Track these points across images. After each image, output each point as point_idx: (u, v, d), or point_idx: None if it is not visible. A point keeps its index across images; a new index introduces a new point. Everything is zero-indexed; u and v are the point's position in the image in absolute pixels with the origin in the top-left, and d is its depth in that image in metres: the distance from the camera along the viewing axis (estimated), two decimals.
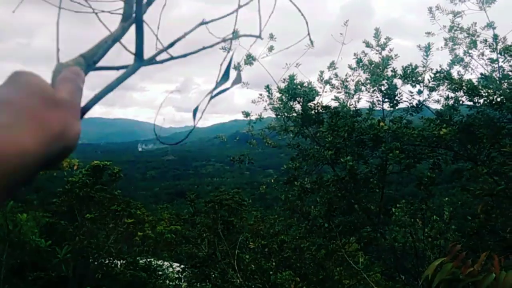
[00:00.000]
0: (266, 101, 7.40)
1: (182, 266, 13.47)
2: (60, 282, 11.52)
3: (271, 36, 7.31)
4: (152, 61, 0.87)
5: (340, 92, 7.05)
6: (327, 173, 7.33)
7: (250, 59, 7.40)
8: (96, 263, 13.19)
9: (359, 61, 6.91)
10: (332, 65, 7.19)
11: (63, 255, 10.90)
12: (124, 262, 13.75)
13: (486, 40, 6.25)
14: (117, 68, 0.87)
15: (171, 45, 0.92)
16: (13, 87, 0.54)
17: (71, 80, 0.65)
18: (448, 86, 6.20)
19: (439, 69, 6.33)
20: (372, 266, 7.90)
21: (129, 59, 0.86)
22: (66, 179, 14.21)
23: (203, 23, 1.03)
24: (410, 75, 6.34)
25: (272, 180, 7.83)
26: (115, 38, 0.84)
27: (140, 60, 0.82)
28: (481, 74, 6.19)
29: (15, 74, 0.56)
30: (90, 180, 14.00)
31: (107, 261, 13.45)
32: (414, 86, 6.46)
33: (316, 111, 7.06)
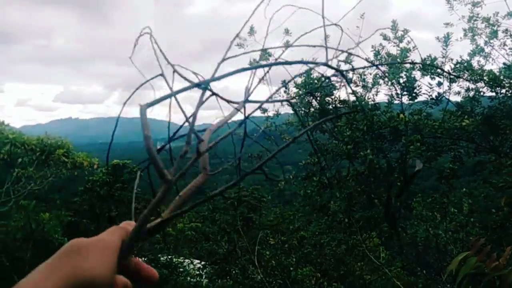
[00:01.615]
0: (283, 96, 7.38)
1: (202, 263, 13.55)
2: None
3: (287, 31, 7.28)
4: None
5: (357, 86, 6.99)
6: (346, 168, 7.28)
7: (266, 55, 7.38)
8: None
9: (376, 53, 6.83)
10: (348, 59, 7.12)
11: None
12: (145, 259, 13.87)
13: (507, 30, 6.11)
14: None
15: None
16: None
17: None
18: (469, 77, 6.08)
19: (459, 60, 6.21)
20: (393, 261, 7.81)
21: None
22: (87, 178, 14.40)
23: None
24: (429, 67, 6.24)
25: (291, 176, 7.80)
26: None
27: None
28: (504, 64, 6.07)
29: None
30: (110, 178, 14.16)
31: None
32: (433, 78, 6.36)
33: (333, 105, 7.00)
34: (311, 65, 1.07)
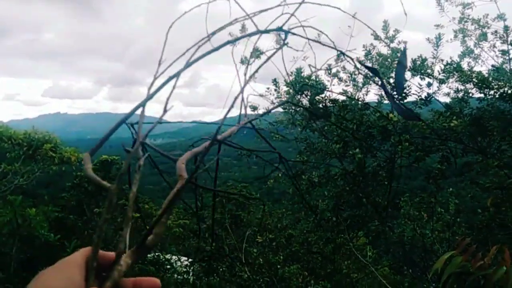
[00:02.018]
0: (273, 95, 7.38)
1: (190, 260, 13.52)
2: None
3: (279, 29, 7.26)
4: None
5: (348, 85, 7.01)
6: (335, 167, 7.29)
7: (257, 53, 7.36)
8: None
9: (367, 53, 6.84)
10: (339, 58, 7.13)
11: (72, 249, 10.96)
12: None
13: (497, 32, 6.16)
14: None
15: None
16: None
17: None
18: (458, 78, 6.13)
19: (449, 61, 6.25)
20: (380, 259, 7.87)
21: None
22: (75, 173, 14.30)
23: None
24: (420, 68, 6.27)
25: (280, 174, 7.81)
26: None
27: None
28: (492, 66, 6.12)
29: (57, 264, 0.71)
30: (98, 174, 14.03)
31: None
32: (423, 79, 6.39)
33: (324, 104, 7.01)
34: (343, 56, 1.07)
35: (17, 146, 10.16)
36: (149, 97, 0.89)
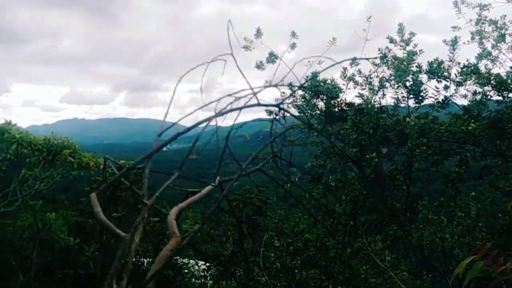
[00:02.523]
0: (289, 99, 7.39)
1: (207, 264, 13.56)
2: (89, 280, 11.73)
3: (293, 34, 7.29)
4: None
5: (364, 89, 6.99)
6: (352, 170, 7.28)
7: (272, 57, 7.39)
8: (123, 261, 13.36)
9: (383, 57, 6.82)
10: (354, 61, 7.13)
11: (91, 253, 11.10)
12: (150, 260, 13.91)
13: None
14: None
15: None
16: None
17: None
18: (476, 81, 6.07)
19: (466, 63, 6.19)
20: (399, 264, 7.80)
21: None
22: (93, 178, 14.48)
23: None
24: (436, 70, 6.23)
25: (296, 179, 7.81)
26: None
27: None
28: (511, 67, 6.05)
29: None
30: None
31: (134, 259, 13.62)
32: (440, 82, 6.34)
33: (339, 108, 7.01)
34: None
35: (37, 152, 10.33)
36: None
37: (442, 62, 6.24)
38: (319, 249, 7.46)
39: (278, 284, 7.49)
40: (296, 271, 7.48)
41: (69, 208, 16.13)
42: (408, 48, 6.62)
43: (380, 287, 7.49)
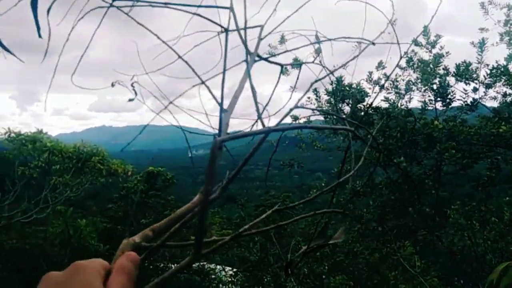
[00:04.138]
0: (314, 104, 7.37)
1: (234, 269, 13.60)
2: None
3: (317, 38, 7.28)
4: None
5: (390, 93, 6.92)
6: (379, 175, 7.20)
7: (297, 62, 7.39)
8: (151, 266, 13.54)
9: (409, 60, 6.75)
10: (380, 65, 7.07)
11: None
12: (177, 265, 14.02)
13: None
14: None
15: None
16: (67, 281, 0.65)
17: (125, 271, 0.72)
18: (506, 82, 5.93)
19: (495, 65, 6.06)
20: (428, 270, 7.66)
21: None
22: (121, 185, 14.71)
23: None
24: (464, 73, 6.12)
25: (323, 184, 7.77)
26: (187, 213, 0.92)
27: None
28: None
29: (73, 267, 0.68)
30: (144, 186, 14.43)
31: (161, 265, 13.78)
32: (468, 84, 6.23)
33: (366, 112, 6.95)
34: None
35: (67, 159, 10.55)
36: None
37: (470, 64, 6.12)
38: (347, 255, 7.40)
39: None
40: (323, 276, 7.44)
41: (97, 215, 16.46)
42: (434, 50, 6.53)
43: None
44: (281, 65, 1.26)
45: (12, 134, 9.76)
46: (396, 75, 6.96)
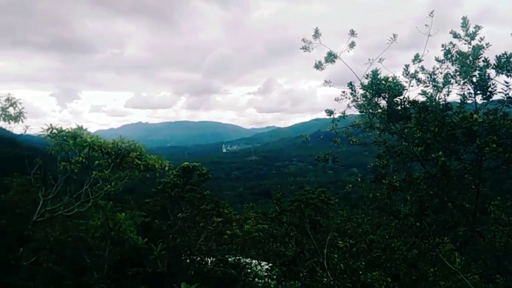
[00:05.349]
0: (349, 98, 7.34)
1: (270, 264, 13.68)
2: (156, 277, 12.19)
3: (352, 32, 7.23)
4: None
5: (427, 86, 6.80)
6: (416, 170, 7.09)
7: (331, 57, 7.37)
8: (188, 260, 13.79)
9: (447, 52, 6.61)
10: (417, 58, 6.96)
11: (158, 251, 11.51)
12: (214, 259, 14.24)
13: None
14: None
15: None
16: None
17: None
18: None
19: None
20: (469, 267, 7.50)
21: None
22: (158, 180, 15.01)
23: None
24: (505, 65, 5.94)
25: (358, 179, 7.72)
26: None
27: None
28: None
29: None
30: (180, 180, 14.68)
31: (198, 258, 14.01)
32: (510, 76, 6.05)
33: (402, 106, 6.86)
34: None
35: (106, 155, 10.81)
36: None
37: (511, 55, 5.95)
38: (384, 250, 7.33)
39: (342, 285, 7.44)
40: (360, 272, 7.40)
41: (135, 209, 16.88)
42: (473, 42, 6.37)
43: None
44: None
45: (54, 131, 10.06)
46: (433, 68, 6.84)
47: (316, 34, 7.32)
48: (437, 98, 6.60)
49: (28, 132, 10.10)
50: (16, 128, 9.79)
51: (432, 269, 6.87)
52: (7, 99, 9.40)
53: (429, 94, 6.63)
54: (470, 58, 6.25)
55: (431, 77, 6.79)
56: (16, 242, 10.09)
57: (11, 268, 9.77)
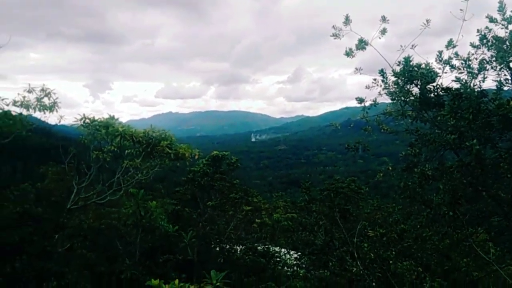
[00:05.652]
0: (380, 85, 7.23)
1: (299, 253, 13.69)
2: (187, 265, 12.38)
3: (384, 19, 7.09)
4: None
5: (462, 73, 6.62)
6: (448, 159, 6.95)
7: (362, 44, 7.26)
8: (217, 248, 13.95)
9: (482, 37, 6.41)
10: (450, 44, 6.77)
11: (188, 239, 11.68)
12: (243, 247, 14.36)
13: None
14: None
15: None
16: None
17: None
18: None
19: None
20: (503, 258, 7.32)
21: None
22: (188, 169, 15.18)
23: None
24: None
25: (389, 168, 7.62)
26: None
27: None
28: None
29: None
30: (210, 169, 14.81)
31: (227, 247, 14.15)
32: None
33: (435, 93, 6.70)
34: None
35: (137, 144, 10.98)
36: None
37: None
38: (415, 240, 7.23)
39: (372, 275, 7.39)
40: (390, 262, 7.33)
41: (166, 197, 17.14)
42: (510, 27, 6.16)
43: (483, 281, 7.10)
44: None
45: (87, 120, 10.27)
46: (468, 54, 6.65)
47: (347, 20, 7.21)
48: (472, 85, 6.42)
49: (62, 122, 10.35)
50: (51, 119, 10.05)
51: (465, 260, 6.75)
52: (42, 90, 9.65)
53: (464, 80, 6.45)
54: (507, 43, 6.05)
55: (465, 63, 6.60)
56: (51, 229, 10.39)
57: (47, 254, 10.08)
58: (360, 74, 7.38)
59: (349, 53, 7.43)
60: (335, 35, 7.27)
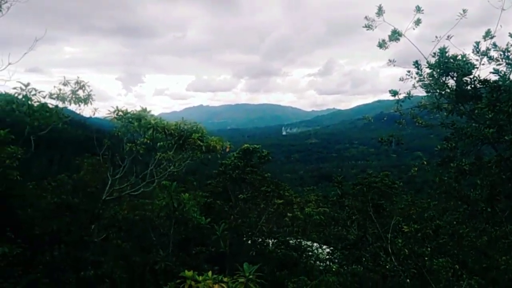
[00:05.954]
0: (415, 78, 7.07)
1: (331, 248, 13.61)
2: (219, 257, 12.49)
3: (418, 9, 6.92)
4: None
5: (500, 64, 6.40)
6: (486, 153, 6.75)
7: (395, 35, 7.11)
8: (249, 241, 14.00)
9: None
10: (488, 34, 6.55)
11: (220, 232, 11.76)
12: (275, 241, 14.37)
13: None
14: None
15: None
16: None
17: None
18: None
19: None
20: None
21: None
22: (219, 161, 15.26)
23: None
24: None
25: (424, 162, 7.46)
26: None
27: None
28: None
29: None
30: (241, 162, 14.86)
31: (259, 240, 14.18)
32: None
33: (472, 85, 6.51)
34: None
35: (170, 136, 11.09)
36: None
37: None
38: (452, 237, 7.07)
39: (407, 271, 7.27)
40: (425, 258, 7.19)
41: (197, 190, 17.30)
42: None
43: None
44: None
45: (120, 113, 10.43)
46: (507, 45, 6.42)
47: (380, 11, 7.08)
48: (511, 77, 6.20)
49: (96, 115, 10.55)
50: (85, 111, 10.26)
51: (504, 257, 6.54)
52: (77, 82, 9.85)
53: (502, 72, 6.25)
54: None
55: (504, 54, 6.39)
56: (87, 220, 10.65)
57: (84, 244, 10.34)
58: (394, 66, 7.25)
59: (382, 45, 7.30)
60: (368, 26, 7.16)
